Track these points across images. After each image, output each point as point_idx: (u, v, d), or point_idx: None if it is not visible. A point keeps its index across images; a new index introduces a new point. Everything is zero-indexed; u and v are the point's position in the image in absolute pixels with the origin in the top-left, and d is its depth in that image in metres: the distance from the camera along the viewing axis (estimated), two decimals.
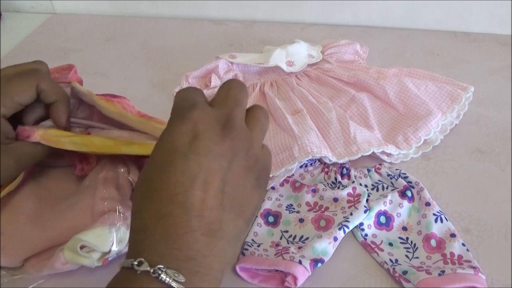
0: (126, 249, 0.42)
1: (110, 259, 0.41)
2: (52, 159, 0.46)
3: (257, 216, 0.48)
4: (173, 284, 0.26)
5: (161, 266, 0.26)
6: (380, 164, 0.51)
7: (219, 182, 0.29)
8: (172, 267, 0.27)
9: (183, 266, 0.27)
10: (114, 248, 0.40)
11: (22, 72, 0.40)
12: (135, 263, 0.27)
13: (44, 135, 0.40)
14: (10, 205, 0.44)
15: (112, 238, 0.40)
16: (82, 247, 0.39)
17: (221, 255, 0.29)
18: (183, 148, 0.28)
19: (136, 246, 0.29)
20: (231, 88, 0.32)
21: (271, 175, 0.50)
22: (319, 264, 0.41)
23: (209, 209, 0.28)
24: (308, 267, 0.40)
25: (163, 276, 0.26)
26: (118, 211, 0.41)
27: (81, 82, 0.48)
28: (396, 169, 0.50)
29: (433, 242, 0.44)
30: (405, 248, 0.44)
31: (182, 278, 0.26)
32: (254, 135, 0.31)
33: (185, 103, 0.30)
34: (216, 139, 0.29)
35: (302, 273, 0.40)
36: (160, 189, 0.28)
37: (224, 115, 0.30)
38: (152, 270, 0.26)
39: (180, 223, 0.28)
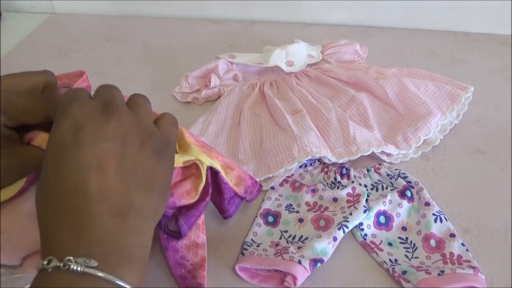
0: None
1: None
2: None
3: (256, 216, 0.48)
4: (86, 270, 0.26)
5: (70, 257, 0.26)
6: (380, 164, 0.51)
7: (115, 163, 0.29)
8: (83, 255, 0.26)
9: (95, 251, 0.27)
10: None
11: (33, 91, 0.38)
12: (45, 262, 0.26)
13: (45, 140, 0.40)
14: (9, 203, 0.44)
15: None
16: None
17: (137, 231, 0.29)
18: (70, 142, 0.29)
19: (46, 247, 0.28)
20: (103, 87, 0.33)
21: (270, 175, 0.50)
22: (319, 264, 0.41)
23: (112, 191, 0.28)
24: (308, 267, 0.40)
25: (73, 266, 0.26)
26: None
27: (90, 89, 0.47)
28: (396, 169, 0.50)
29: (432, 242, 0.44)
30: (404, 248, 0.44)
31: (94, 263, 0.26)
32: (139, 114, 0.32)
33: (64, 100, 0.31)
34: (100, 124, 0.30)
35: (302, 273, 0.40)
36: (58, 187, 0.28)
37: (103, 101, 0.31)
38: (61, 264, 0.26)
39: (85, 213, 0.27)
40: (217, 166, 0.40)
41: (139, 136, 0.31)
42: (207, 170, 0.39)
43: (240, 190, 0.43)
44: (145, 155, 0.31)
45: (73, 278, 0.26)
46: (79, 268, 0.26)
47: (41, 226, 0.29)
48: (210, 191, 0.40)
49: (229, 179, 0.42)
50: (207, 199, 0.40)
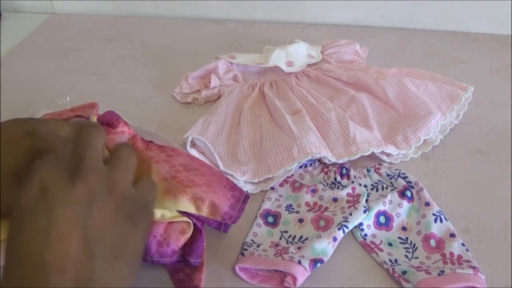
0: None
1: None
2: None
3: (256, 217, 0.48)
4: None
5: None
6: (380, 164, 0.51)
7: (78, 230, 0.26)
8: None
9: None
10: None
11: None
12: None
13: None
14: None
15: None
16: None
17: None
18: (30, 205, 0.27)
19: None
20: (82, 135, 0.31)
21: (270, 176, 0.50)
22: (319, 264, 0.41)
23: (72, 261, 0.26)
24: (308, 267, 0.40)
25: None
26: None
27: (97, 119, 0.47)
28: (396, 169, 0.50)
29: (432, 242, 0.44)
30: (404, 248, 0.44)
31: None
32: (116, 173, 0.30)
33: (38, 160, 0.29)
34: (65, 186, 0.27)
35: (302, 273, 0.40)
36: (16, 255, 0.26)
37: (73, 161, 0.29)
38: None
39: (40, 284, 0.25)
40: (186, 206, 0.39)
41: (111, 200, 0.29)
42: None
43: (217, 218, 0.41)
44: (116, 220, 0.29)
45: None
46: None
47: None
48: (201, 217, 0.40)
49: (202, 212, 0.40)
50: (202, 228, 0.40)
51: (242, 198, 0.42)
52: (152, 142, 0.46)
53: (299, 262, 0.40)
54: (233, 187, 0.43)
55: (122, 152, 0.32)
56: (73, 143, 0.31)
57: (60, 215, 0.26)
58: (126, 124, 0.46)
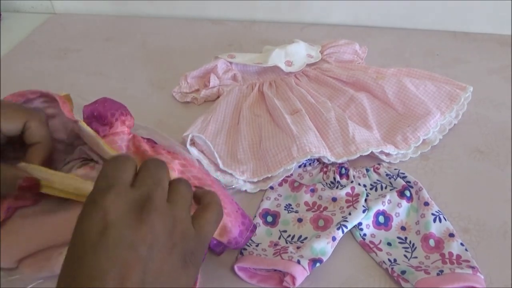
0: None
1: None
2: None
3: (255, 216, 0.48)
4: None
5: None
6: (379, 164, 0.51)
7: (137, 272, 0.26)
8: None
9: None
10: None
11: (18, 106, 0.40)
12: None
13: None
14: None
15: None
16: None
17: None
18: (93, 240, 0.26)
19: None
20: (150, 168, 0.30)
21: (269, 175, 0.50)
22: (318, 264, 0.41)
23: None
24: (307, 267, 0.40)
25: None
26: None
27: (72, 109, 0.45)
28: (395, 169, 0.50)
29: (431, 242, 0.44)
30: (403, 248, 0.44)
31: None
32: (177, 211, 0.29)
33: (102, 183, 0.28)
34: (131, 225, 0.27)
35: (301, 273, 0.40)
36: (73, 285, 0.25)
37: (142, 197, 0.28)
38: None
39: None
40: None
41: (170, 241, 0.28)
42: None
43: (223, 240, 0.39)
44: (171, 261, 0.28)
45: None
46: None
47: None
48: None
49: None
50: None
51: (251, 227, 0.42)
52: (153, 141, 0.46)
53: (298, 262, 0.40)
54: (243, 214, 0.42)
55: (182, 187, 0.31)
56: (141, 176, 0.30)
57: (122, 257, 0.26)
58: (123, 122, 0.44)
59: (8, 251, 0.41)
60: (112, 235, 0.26)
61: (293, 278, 0.40)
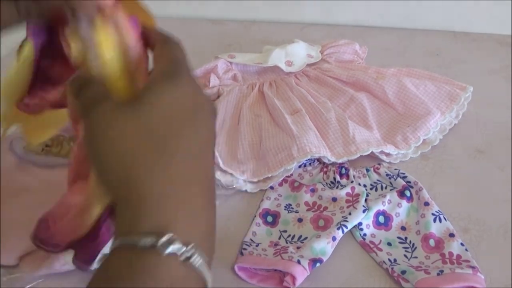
0: None
1: None
2: (52, 158, 0.46)
3: (255, 216, 0.48)
4: (204, 272, 0.23)
5: (192, 244, 0.23)
6: (379, 164, 0.51)
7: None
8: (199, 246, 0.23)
9: (203, 244, 0.24)
10: None
11: None
12: (164, 239, 0.22)
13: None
14: (6, 201, 0.44)
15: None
16: None
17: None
18: (197, 109, 0.28)
19: (153, 215, 0.23)
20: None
21: (269, 175, 0.50)
22: (318, 264, 0.41)
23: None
24: (307, 267, 0.40)
25: (196, 259, 0.22)
26: None
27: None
28: (395, 169, 0.50)
29: (431, 242, 0.44)
30: (403, 248, 0.44)
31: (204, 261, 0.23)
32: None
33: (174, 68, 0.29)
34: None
35: (301, 273, 0.40)
36: (181, 151, 0.26)
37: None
38: (188, 255, 0.22)
39: (202, 191, 0.26)
40: None
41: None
42: None
43: None
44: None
45: (185, 271, 0.22)
46: (198, 264, 0.23)
47: (141, 181, 0.24)
48: None
49: None
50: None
51: None
52: None
53: (298, 262, 0.40)
54: None
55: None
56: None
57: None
58: None
59: (9, 248, 0.41)
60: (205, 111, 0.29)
61: (293, 278, 0.40)
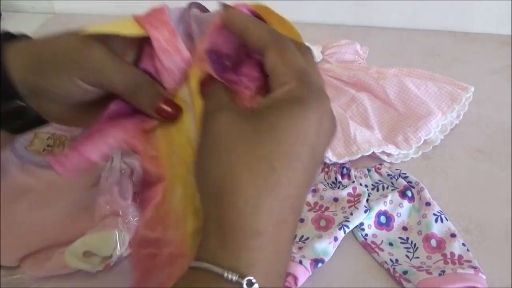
0: (127, 253, 0.42)
1: (112, 264, 0.41)
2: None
3: None
4: None
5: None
6: (380, 164, 0.51)
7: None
8: None
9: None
10: (116, 252, 0.40)
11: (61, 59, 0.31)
12: (244, 283, 0.22)
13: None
14: (7, 202, 0.44)
15: (115, 243, 0.40)
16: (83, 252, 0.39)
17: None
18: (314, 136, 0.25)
19: (241, 251, 0.23)
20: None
21: None
22: (320, 264, 0.41)
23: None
24: (309, 267, 0.40)
25: None
26: (120, 215, 0.41)
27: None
28: (396, 169, 0.50)
29: (433, 242, 0.44)
30: (405, 248, 0.44)
31: None
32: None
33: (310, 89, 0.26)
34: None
35: (303, 273, 0.40)
36: (285, 187, 0.24)
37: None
38: None
39: (291, 233, 0.25)
40: None
41: None
42: None
43: None
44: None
45: None
46: None
47: (238, 215, 0.24)
48: None
49: None
50: None
51: None
52: None
53: (300, 262, 0.40)
54: None
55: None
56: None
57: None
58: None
59: (10, 248, 0.41)
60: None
61: (295, 278, 0.40)
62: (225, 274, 0.22)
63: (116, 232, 0.40)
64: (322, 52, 0.68)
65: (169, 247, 0.30)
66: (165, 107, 0.32)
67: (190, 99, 0.32)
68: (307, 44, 0.34)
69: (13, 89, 0.30)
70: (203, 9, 0.37)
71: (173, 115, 0.32)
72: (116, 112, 0.33)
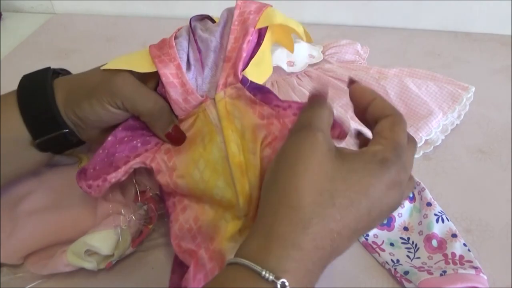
0: (129, 251, 0.42)
1: (113, 262, 0.41)
2: (59, 157, 0.46)
3: None
4: None
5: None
6: None
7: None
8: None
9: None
10: (118, 251, 0.40)
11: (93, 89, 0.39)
12: (278, 283, 0.25)
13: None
14: (10, 201, 0.44)
15: (118, 242, 0.40)
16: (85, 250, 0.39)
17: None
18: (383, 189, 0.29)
19: (283, 258, 0.26)
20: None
21: None
22: None
23: None
24: None
25: None
26: (122, 214, 0.41)
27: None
28: None
29: (434, 242, 0.44)
30: (406, 248, 0.44)
31: None
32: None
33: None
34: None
35: None
36: (332, 220, 0.27)
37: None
38: None
39: (325, 261, 0.28)
40: None
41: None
42: None
43: None
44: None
45: None
46: None
47: (295, 230, 0.27)
48: None
49: None
50: None
51: None
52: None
53: None
54: None
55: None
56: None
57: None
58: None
59: (14, 247, 0.41)
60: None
61: None
62: (263, 273, 0.25)
63: (118, 231, 0.40)
64: (323, 52, 0.68)
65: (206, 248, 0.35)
66: (173, 133, 0.39)
67: (219, 123, 0.38)
68: (306, 43, 0.37)
69: (62, 119, 0.39)
70: (202, 18, 0.48)
71: (178, 141, 0.40)
72: (126, 127, 0.40)
